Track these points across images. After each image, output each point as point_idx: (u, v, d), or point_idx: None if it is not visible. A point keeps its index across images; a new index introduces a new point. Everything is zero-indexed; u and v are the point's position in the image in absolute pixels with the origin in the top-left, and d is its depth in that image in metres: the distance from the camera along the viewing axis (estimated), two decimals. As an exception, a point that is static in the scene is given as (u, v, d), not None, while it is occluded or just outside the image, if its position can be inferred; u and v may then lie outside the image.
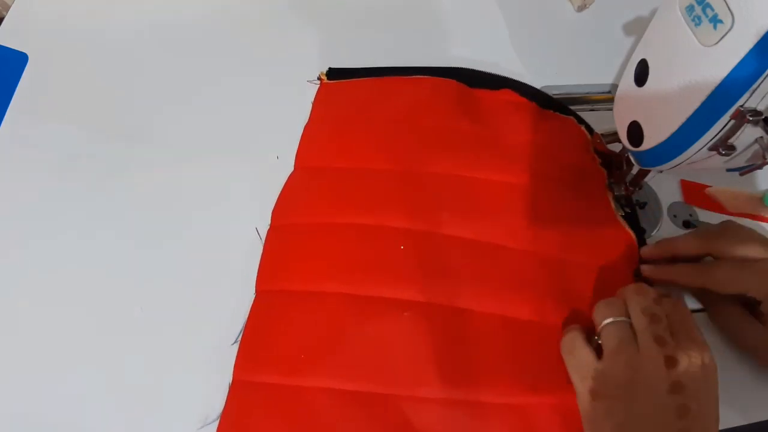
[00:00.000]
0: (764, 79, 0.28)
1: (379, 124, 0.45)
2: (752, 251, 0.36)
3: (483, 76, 0.48)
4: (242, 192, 0.44)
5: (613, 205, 0.42)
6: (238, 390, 0.36)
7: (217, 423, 0.36)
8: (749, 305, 0.37)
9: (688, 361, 0.32)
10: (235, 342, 0.38)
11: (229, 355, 0.38)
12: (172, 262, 0.41)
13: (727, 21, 0.28)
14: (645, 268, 0.40)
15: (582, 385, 0.34)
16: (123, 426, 0.36)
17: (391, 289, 0.38)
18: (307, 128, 0.46)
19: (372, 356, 0.36)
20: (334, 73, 0.48)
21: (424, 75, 0.48)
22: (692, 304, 0.40)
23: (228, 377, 0.37)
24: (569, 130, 0.45)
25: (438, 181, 0.42)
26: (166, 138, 0.47)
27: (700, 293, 0.41)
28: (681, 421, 0.31)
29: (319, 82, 0.48)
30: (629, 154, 0.38)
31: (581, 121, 0.46)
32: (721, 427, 0.36)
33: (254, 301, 0.39)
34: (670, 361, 0.32)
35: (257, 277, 0.40)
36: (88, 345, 0.39)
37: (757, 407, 0.37)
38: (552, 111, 0.47)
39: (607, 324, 0.34)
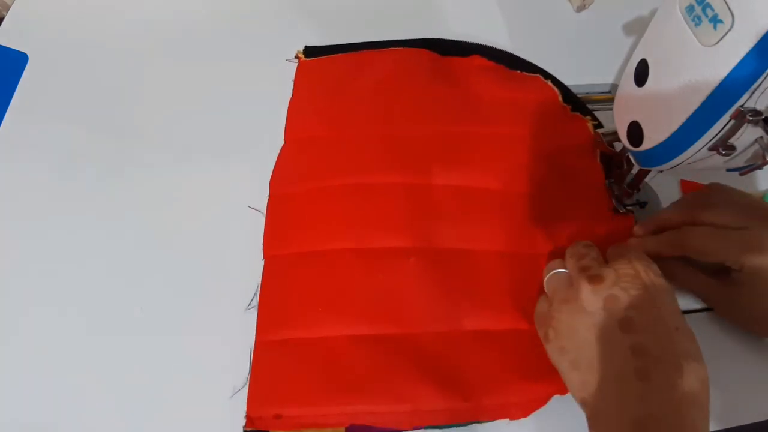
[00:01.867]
0: (764, 79, 0.28)
1: (361, 94, 0.47)
2: (733, 218, 0.36)
3: (452, 44, 0.51)
4: (242, 192, 0.44)
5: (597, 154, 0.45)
6: (262, 350, 0.38)
7: (246, 388, 0.37)
8: (724, 270, 0.37)
9: (615, 273, 0.33)
10: (250, 307, 0.39)
11: (247, 324, 0.39)
12: (173, 262, 0.41)
13: (727, 21, 0.28)
14: (632, 241, 0.41)
15: (540, 332, 0.36)
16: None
17: (393, 239, 0.41)
18: (292, 103, 0.47)
19: (386, 301, 0.39)
20: (311, 51, 0.50)
21: (397, 47, 0.50)
22: (694, 303, 0.40)
23: (247, 345, 0.38)
24: (537, 86, 0.48)
25: (424, 139, 0.45)
26: (166, 138, 0.47)
27: (673, 271, 0.40)
28: (629, 335, 0.31)
29: (297, 60, 0.50)
30: (629, 154, 0.39)
31: (547, 77, 0.49)
32: (721, 427, 0.36)
33: (264, 266, 0.40)
34: (595, 279, 0.33)
35: (264, 244, 0.41)
36: (88, 345, 0.39)
37: (758, 407, 0.37)
38: (519, 72, 0.49)
39: (547, 278, 0.37)
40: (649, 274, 0.33)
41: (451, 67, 0.49)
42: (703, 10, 0.30)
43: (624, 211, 0.43)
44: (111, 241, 0.42)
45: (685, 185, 0.45)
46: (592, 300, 0.33)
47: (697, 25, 0.30)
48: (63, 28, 0.52)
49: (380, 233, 0.41)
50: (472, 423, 0.36)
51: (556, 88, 0.47)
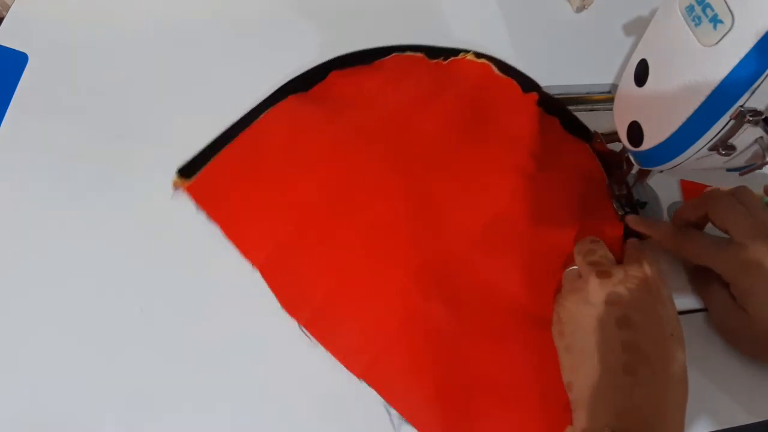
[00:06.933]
0: (764, 79, 0.28)
1: (272, 166, 0.44)
2: (735, 230, 0.36)
3: (364, 54, 0.49)
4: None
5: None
6: None
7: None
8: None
9: (624, 273, 0.34)
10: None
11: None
12: (174, 260, 0.41)
13: (727, 21, 0.28)
14: (629, 218, 0.41)
15: (554, 316, 0.37)
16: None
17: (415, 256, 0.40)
18: (226, 231, 0.42)
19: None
20: (187, 171, 0.44)
21: (275, 102, 0.47)
22: (694, 303, 0.40)
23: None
24: (461, 66, 0.48)
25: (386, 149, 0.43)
26: (166, 138, 0.46)
27: (695, 275, 0.41)
28: (623, 331, 0.32)
29: (182, 190, 0.43)
30: (629, 154, 0.39)
31: (470, 53, 0.49)
32: (721, 427, 0.36)
33: (305, 327, 0.39)
34: (603, 275, 0.34)
35: (289, 313, 0.39)
36: (87, 344, 0.39)
37: (757, 407, 0.37)
38: (440, 60, 0.49)
39: (563, 275, 0.39)
40: (656, 281, 0.34)
41: (370, 73, 0.48)
42: (703, 10, 0.30)
43: (623, 212, 0.43)
44: (111, 240, 0.42)
45: (685, 185, 0.45)
46: (596, 293, 0.34)
47: (697, 25, 0.30)
48: (63, 28, 0.52)
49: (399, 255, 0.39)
50: None
51: (487, 62, 0.48)
